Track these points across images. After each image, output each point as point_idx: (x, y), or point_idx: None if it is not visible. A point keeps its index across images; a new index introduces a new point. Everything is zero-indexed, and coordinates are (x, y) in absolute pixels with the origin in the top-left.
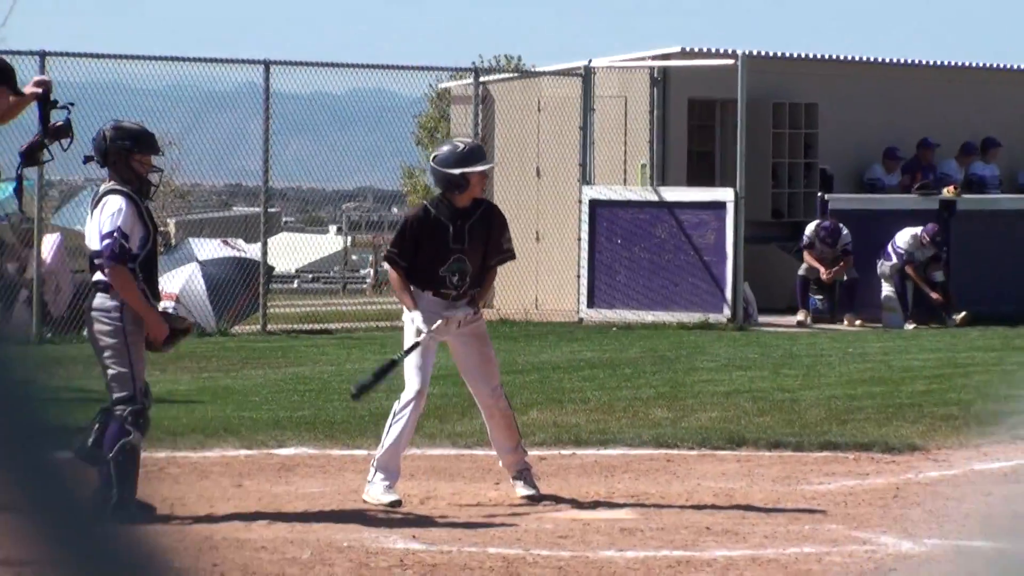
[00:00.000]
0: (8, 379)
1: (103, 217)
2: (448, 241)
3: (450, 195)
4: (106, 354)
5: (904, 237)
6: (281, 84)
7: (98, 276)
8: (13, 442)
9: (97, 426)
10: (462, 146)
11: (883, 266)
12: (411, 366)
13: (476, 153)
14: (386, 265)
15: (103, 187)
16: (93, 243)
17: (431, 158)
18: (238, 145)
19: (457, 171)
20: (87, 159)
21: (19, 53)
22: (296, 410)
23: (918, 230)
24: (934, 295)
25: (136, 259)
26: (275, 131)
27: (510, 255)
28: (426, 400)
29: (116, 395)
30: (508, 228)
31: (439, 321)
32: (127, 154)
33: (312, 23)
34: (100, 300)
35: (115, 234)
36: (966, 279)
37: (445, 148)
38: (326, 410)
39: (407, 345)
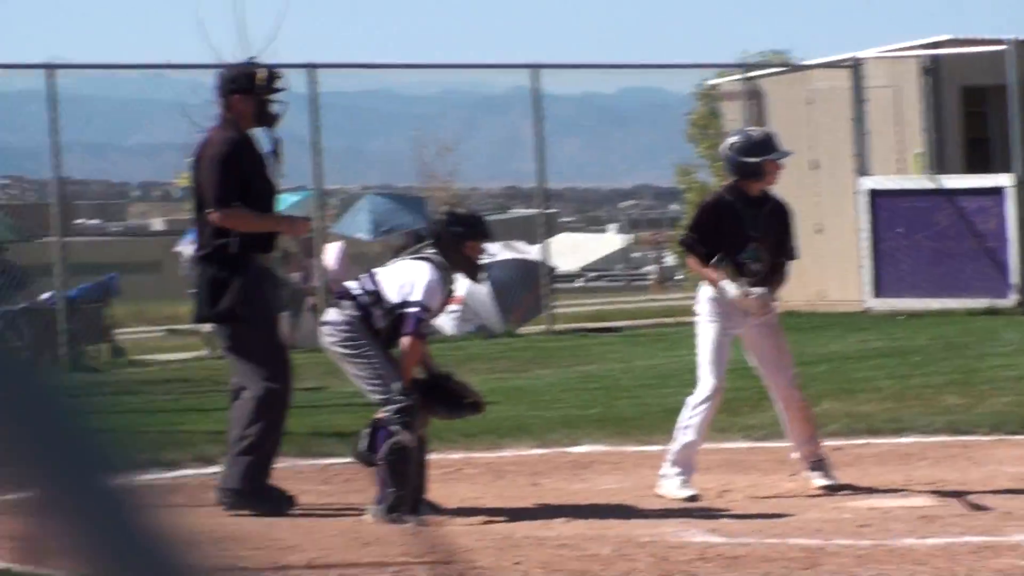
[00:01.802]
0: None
1: (417, 280)
2: (745, 228)
3: (743, 183)
4: (349, 366)
5: None
6: (552, 86)
7: (356, 287)
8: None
9: (369, 430)
10: (757, 135)
11: None
12: (706, 362)
13: (771, 142)
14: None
15: (428, 252)
16: (390, 288)
17: (728, 147)
18: (512, 148)
19: (754, 159)
20: (417, 237)
21: (289, 66)
22: (587, 408)
23: None
24: None
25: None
26: (548, 132)
27: (795, 253)
28: (722, 396)
29: (376, 400)
30: (793, 223)
31: (743, 291)
32: (460, 240)
33: (578, 25)
34: (331, 315)
35: (421, 310)
36: None
37: (740, 137)
38: (617, 407)
39: (701, 335)
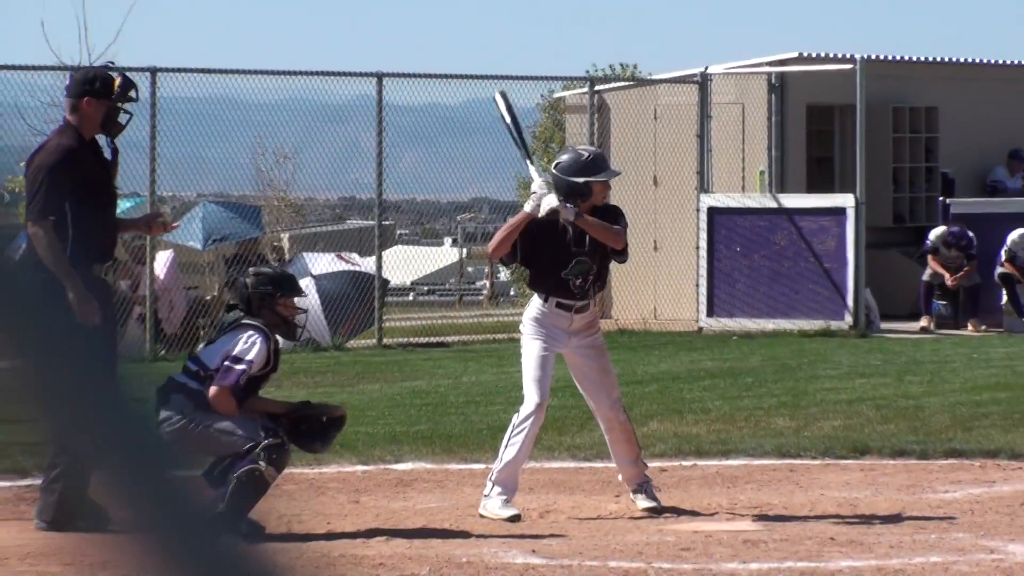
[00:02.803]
0: (123, 396)
1: (238, 340)
2: (569, 244)
3: (571, 202)
4: (205, 444)
5: (1013, 236)
6: (394, 96)
7: (181, 377)
8: (128, 459)
9: (230, 458)
10: (586, 154)
11: (997, 271)
12: (530, 379)
13: (599, 162)
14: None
15: (244, 320)
16: (214, 360)
17: (553, 165)
18: (352, 158)
19: (580, 180)
20: (230, 307)
21: (130, 69)
22: (413, 424)
23: None
24: None
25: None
26: (389, 143)
27: (621, 227)
28: (545, 413)
29: (245, 449)
30: (623, 218)
31: (543, 198)
32: (271, 299)
33: (424, 35)
34: (163, 414)
35: (246, 368)
36: None
37: (568, 156)
38: (443, 424)
39: (525, 352)
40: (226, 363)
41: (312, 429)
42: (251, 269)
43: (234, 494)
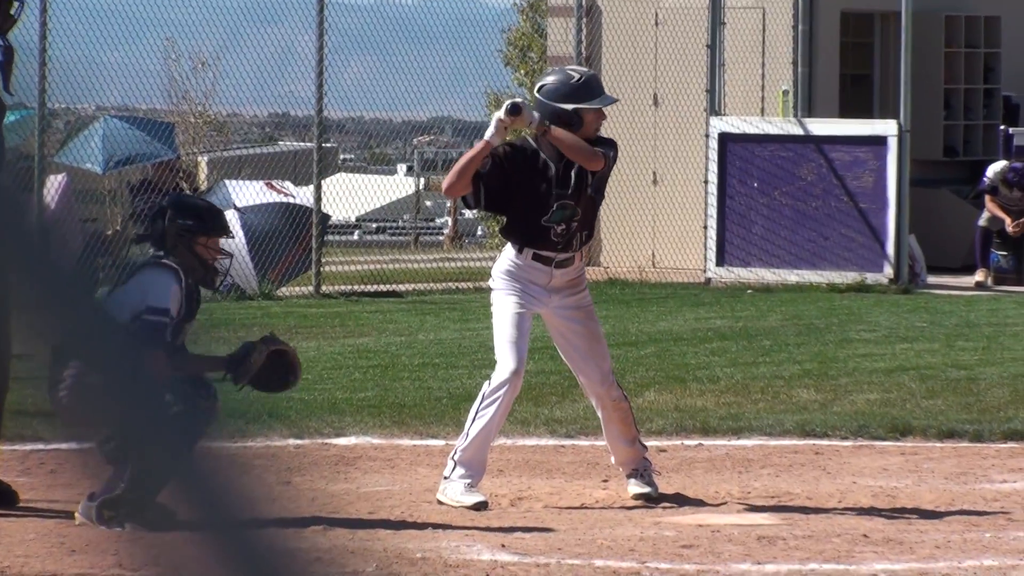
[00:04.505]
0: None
1: (145, 285)
2: (551, 185)
3: None
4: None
5: None
6: None
7: None
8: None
9: None
10: (576, 76)
11: None
12: (504, 340)
13: (592, 86)
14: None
15: (151, 255)
16: (122, 313)
17: (536, 88)
18: (285, 66)
19: (569, 106)
20: (140, 238)
21: None
22: (357, 391)
23: None
24: None
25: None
26: (331, 49)
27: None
28: (522, 381)
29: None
30: (614, 151)
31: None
32: (189, 237)
33: None
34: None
35: (164, 317)
36: None
37: (555, 77)
38: (394, 391)
39: (497, 310)
40: (143, 318)
41: (269, 367)
42: (172, 196)
43: (138, 477)
